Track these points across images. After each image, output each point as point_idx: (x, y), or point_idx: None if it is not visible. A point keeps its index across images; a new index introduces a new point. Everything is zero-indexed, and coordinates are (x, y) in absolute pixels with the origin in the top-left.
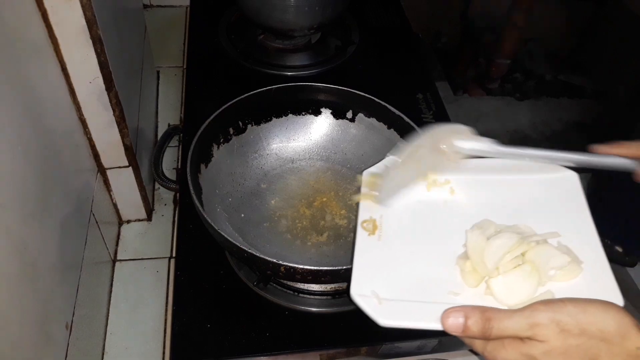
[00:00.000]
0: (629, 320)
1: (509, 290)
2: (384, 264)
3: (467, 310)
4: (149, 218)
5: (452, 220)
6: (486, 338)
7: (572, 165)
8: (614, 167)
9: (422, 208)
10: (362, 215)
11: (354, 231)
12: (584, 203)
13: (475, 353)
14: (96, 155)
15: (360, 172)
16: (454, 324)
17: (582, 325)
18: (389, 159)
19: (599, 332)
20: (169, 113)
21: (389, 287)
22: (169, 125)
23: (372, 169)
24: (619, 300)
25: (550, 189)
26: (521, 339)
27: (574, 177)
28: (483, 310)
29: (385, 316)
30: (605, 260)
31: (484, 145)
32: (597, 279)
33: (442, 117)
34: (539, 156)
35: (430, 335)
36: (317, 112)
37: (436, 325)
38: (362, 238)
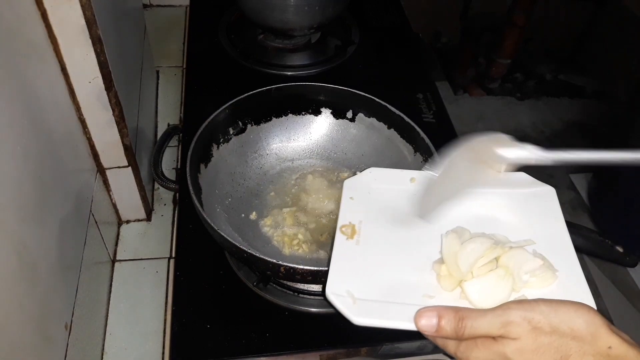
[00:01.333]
0: (600, 320)
1: (483, 293)
2: (361, 267)
3: (440, 310)
4: (148, 218)
5: (430, 228)
6: (459, 338)
7: (629, 164)
8: None
9: (401, 216)
10: (342, 220)
11: (332, 235)
12: (561, 218)
13: (450, 357)
14: (95, 155)
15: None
16: (428, 324)
17: (553, 323)
18: (372, 171)
19: (570, 331)
20: (169, 113)
21: (365, 289)
22: (168, 125)
23: (353, 179)
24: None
25: (527, 203)
26: (494, 337)
27: (552, 192)
28: (456, 310)
29: (358, 314)
30: (580, 271)
31: (528, 152)
32: (572, 287)
33: (442, 117)
34: (589, 159)
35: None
36: (317, 112)
37: (410, 325)
38: (340, 241)
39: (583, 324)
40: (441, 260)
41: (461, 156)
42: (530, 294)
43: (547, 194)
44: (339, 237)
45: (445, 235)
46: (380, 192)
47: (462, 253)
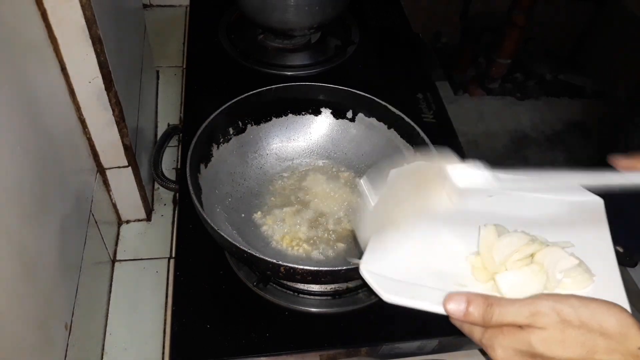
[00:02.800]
0: (632, 321)
1: (515, 286)
2: (397, 251)
3: (469, 295)
4: (148, 218)
5: (470, 225)
6: (486, 324)
7: (587, 189)
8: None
9: (444, 210)
10: None
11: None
12: (607, 230)
13: (476, 348)
14: (95, 155)
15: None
16: (456, 308)
17: (582, 317)
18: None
19: (599, 327)
20: (169, 113)
21: (398, 270)
22: (168, 125)
23: (398, 169)
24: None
25: (572, 212)
26: (520, 326)
27: (599, 203)
28: (485, 296)
29: (389, 291)
30: (619, 281)
31: (483, 179)
32: (608, 293)
33: (442, 117)
34: (544, 186)
35: (431, 335)
36: (317, 112)
37: (438, 308)
38: None
39: (614, 322)
40: (476, 253)
41: (405, 178)
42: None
43: (595, 204)
44: None
45: (483, 227)
46: None
47: (498, 245)
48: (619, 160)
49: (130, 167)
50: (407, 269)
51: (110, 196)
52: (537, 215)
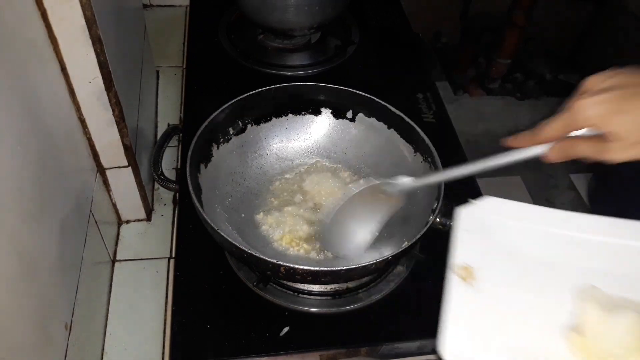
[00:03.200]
0: None
1: None
2: (479, 321)
3: None
4: (148, 218)
5: (558, 281)
6: None
7: (492, 169)
8: (527, 158)
9: (524, 263)
10: (457, 259)
11: (445, 274)
12: None
13: None
14: (95, 155)
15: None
16: None
17: None
18: (489, 201)
19: None
20: (169, 113)
21: (486, 348)
22: (168, 125)
23: (467, 209)
24: None
25: None
26: None
27: None
28: None
29: None
30: None
31: (406, 181)
32: None
33: (442, 117)
34: (456, 175)
35: (431, 335)
36: (317, 112)
37: None
38: (455, 286)
39: None
40: (577, 328)
41: (357, 197)
42: None
43: None
44: (454, 281)
45: (584, 301)
46: (498, 229)
47: (609, 329)
48: (511, 140)
49: (130, 167)
50: (494, 346)
51: (110, 196)
52: (630, 267)
